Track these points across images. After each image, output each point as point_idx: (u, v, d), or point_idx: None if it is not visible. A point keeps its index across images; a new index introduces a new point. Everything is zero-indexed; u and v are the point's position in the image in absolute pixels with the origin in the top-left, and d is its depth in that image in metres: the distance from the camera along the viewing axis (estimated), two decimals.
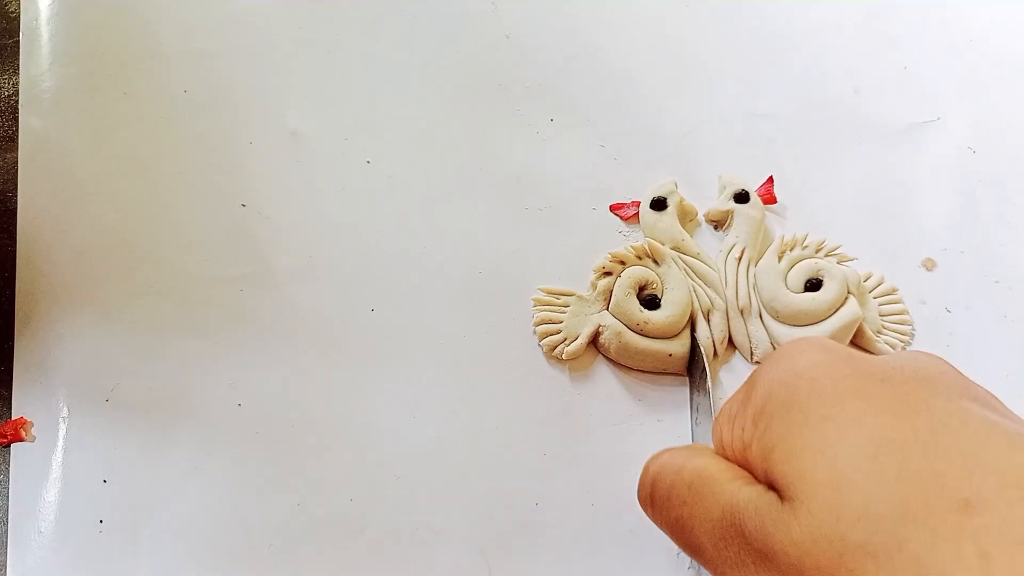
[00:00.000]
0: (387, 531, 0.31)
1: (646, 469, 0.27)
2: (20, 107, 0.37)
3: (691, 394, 0.33)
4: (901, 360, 0.22)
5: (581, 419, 0.33)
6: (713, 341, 0.34)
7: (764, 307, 0.35)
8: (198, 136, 0.37)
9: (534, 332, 0.34)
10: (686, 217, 0.37)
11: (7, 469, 0.31)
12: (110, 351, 0.33)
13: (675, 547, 0.31)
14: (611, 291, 0.34)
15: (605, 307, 0.34)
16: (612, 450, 0.32)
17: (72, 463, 0.31)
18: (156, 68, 0.38)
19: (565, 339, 0.34)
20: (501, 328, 0.34)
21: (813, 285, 0.34)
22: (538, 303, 0.35)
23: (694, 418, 0.32)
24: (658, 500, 0.25)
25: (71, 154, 0.36)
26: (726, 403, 0.25)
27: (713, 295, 0.35)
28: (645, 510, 0.26)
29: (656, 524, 0.26)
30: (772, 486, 0.21)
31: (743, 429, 0.23)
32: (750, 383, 0.24)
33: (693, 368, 0.33)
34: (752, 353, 0.34)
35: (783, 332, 0.34)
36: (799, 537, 0.19)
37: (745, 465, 0.23)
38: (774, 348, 0.34)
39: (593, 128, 0.39)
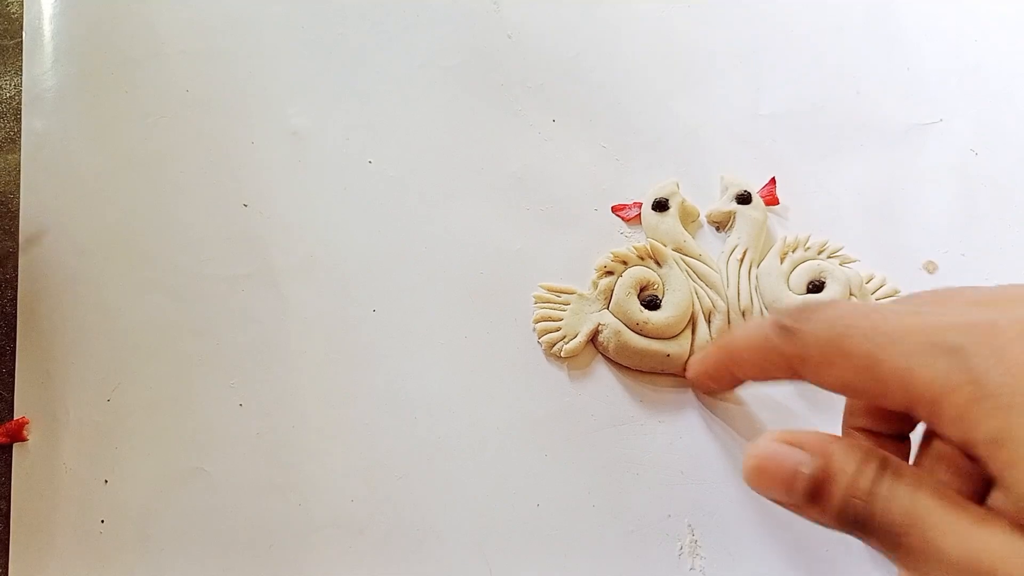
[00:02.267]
0: (387, 531, 0.31)
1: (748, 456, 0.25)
2: (23, 107, 0.37)
3: None
4: None
5: (582, 420, 0.33)
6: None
7: (766, 308, 0.34)
8: (200, 136, 0.37)
9: (534, 329, 0.34)
10: (688, 218, 0.37)
11: (7, 470, 0.31)
12: (111, 351, 0.33)
13: (677, 546, 0.31)
14: (612, 290, 0.34)
15: (605, 306, 0.34)
16: (613, 451, 0.32)
17: (72, 464, 0.31)
18: (158, 68, 0.38)
19: (564, 337, 0.34)
20: (502, 329, 0.34)
21: (815, 287, 0.34)
22: (538, 300, 0.35)
23: None
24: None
25: (73, 154, 0.36)
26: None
27: (715, 296, 0.35)
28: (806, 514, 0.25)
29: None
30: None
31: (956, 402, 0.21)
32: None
33: None
34: None
35: None
36: None
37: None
38: None
39: (595, 129, 0.39)
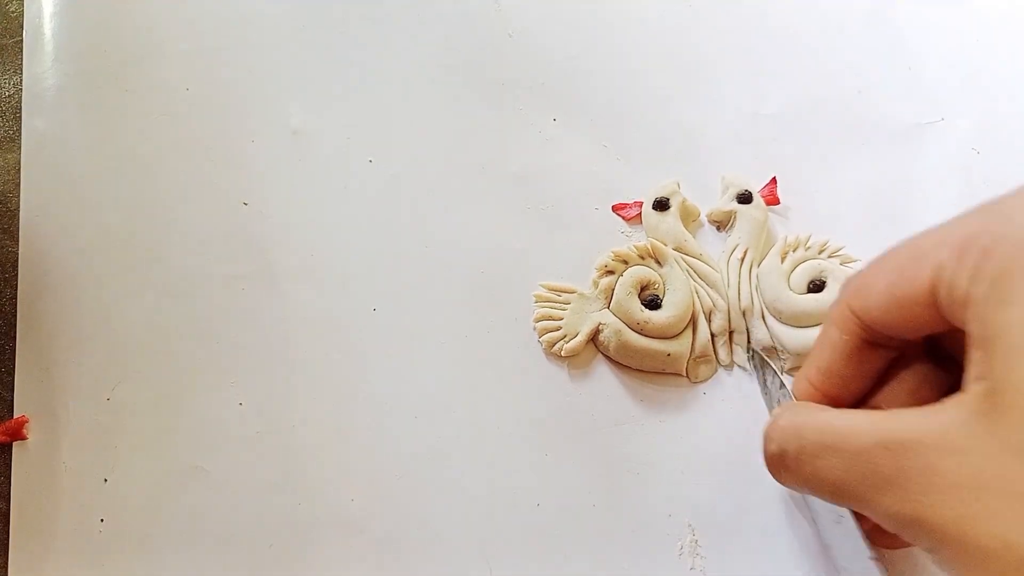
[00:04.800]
0: (388, 531, 0.31)
1: (768, 439, 0.27)
2: (23, 105, 0.37)
3: (763, 381, 0.33)
4: None
5: (582, 419, 0.33)
6: (713, 342, 0.34)
7: (766, 308, 0.34)
8: (200, 134, 0.37)
9: (534, 328, 0.34)
10: (688, 218, 0.37)
11: (7, 469, 0.31)
12: (110, 351, 0.33)
13: (677, 545, 0.31)
14: (613, 290, 0.34)
15: (606, 305, 0.34)
16: (613, 451, 0.32)
17: (72, 463, 0.31)
18: (158, 66, 0.38)
19: (565, 336, 0.33)
20: (503, 328, 0.34)
21: (816, 286, 0.34)
22: (539, 299, 0.34)
23: (772, 395, 0.32)
24: (790, 462, 0.25)
25: (73, 153, 0.36)
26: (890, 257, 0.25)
27: (715, 296, 0.34)
28: (778, 476, 0.27)
29: (790, 486, 0.27)
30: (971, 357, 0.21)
31: (950, 279, 0.23)
32: (965, 233, 0.23)
33: (755, 361, 0.33)
34: (753, 354, 0.34)
35: (785, 333, 0.34)
36: (991, 449, 0.20)
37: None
38: (776, 351, 0.34)
39: (596, 128, 0.39)
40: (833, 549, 0.29)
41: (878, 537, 0.27)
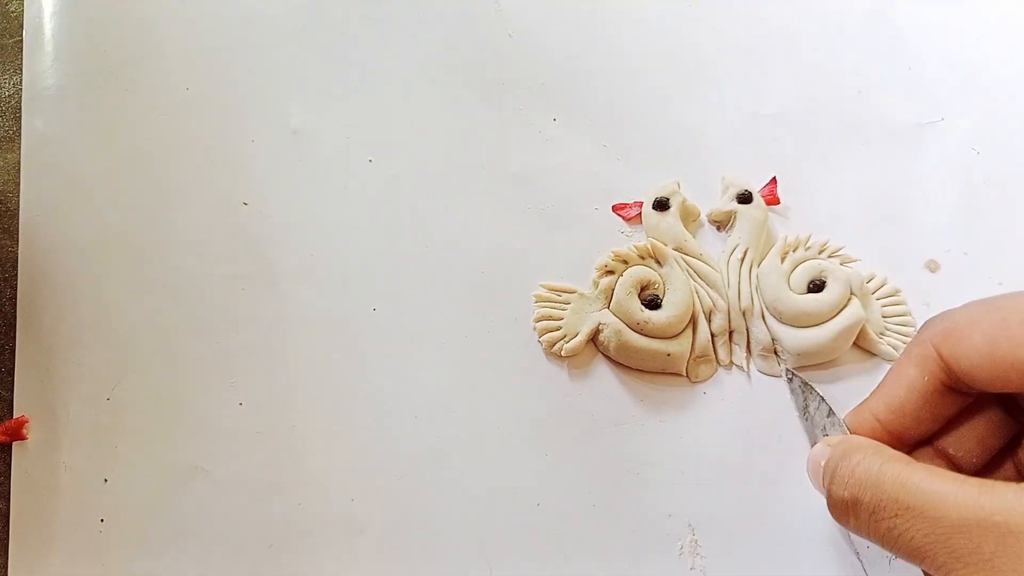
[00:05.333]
0: (388, 531, 0.31)
1: (838, 482, 0.26)
2: (23, 105, 0.37)
3: (803, 403, 0.32)
4: None
5: (583, 419, 0.33)
6: (713, 342, 0.34)
7: (766, 308, 0.34)
8: (200, 134, 0.37)
9: (534, 328, 0.34)
10: (689, 218, 0.37)
11: (7, 469, 0.31)
12: (110, 350, 0.33)
13: (677, 545, 0.31)
14: (613, 289, 0.34)
15: (606, 305, 0.34)
16: (614, 451, 0.32)
17: (72, 463, 0.31)
18: (158, 66, 0.38)
19: (565, 336, 0.33)
20: (503, 328, 0.34)
21: (816, 286, 0.34)
22: (539, 299, 0.34)
23: (815, 422, 0.31)
24: (863, 513, 0.25)
25: (73, 152, 0.36)
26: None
27: (715, 296, 0.34)
28: (842, 522, 0.26)
29: (855, 532, 0.26)
30: None
31: None
32: None
33: (795, 384, 0.33)
34: (753, 354, 0.34)
35: (785, 333, 0.34)
36: None
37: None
38: (776, 352, 0.34)
39: (596, 128, 0.39)
40: None
41: None
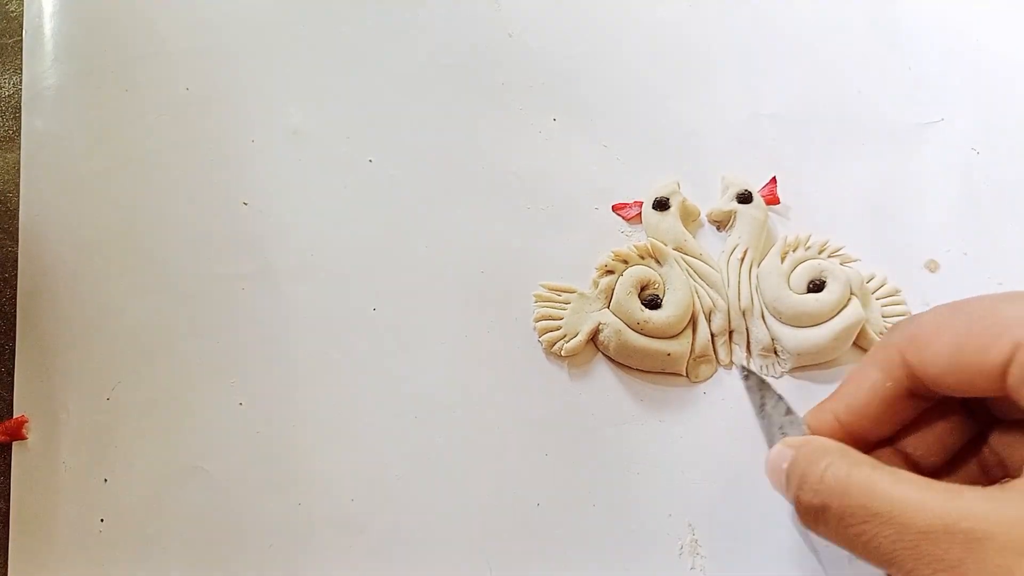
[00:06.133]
0: (387, 531, 0.31)
1: (806, 488, 0.26)
2: (23, 105, 0.37)
3: (760, 401, 0.31)
4: None
5: (582, 419, 0.33)
6: (713, 342, 0.34)
7: (766, 308, 0.34)
8: (200, 134, 0.37)
9: (534, 328, 0.34)
10: (688, 217, 0.37)
11: (7, 469, 0.31)
12: (110, 350, 0.33)
13: (677, 545, 0.31)
14: (613, 289, 0.34)
15: (606, 305, 0.34)
16: (614, 451, 0.32)
17: (72, 463, 0.31)
18: (158, 66, 0.38)
19: (565, 336, 0.33)
20: (503, 328, 0.34)
21: (816, 286, 0.34)
22: (539, 299, 0.34)
23: (772, 421, 0.31)
24: (831, 519, 0.25)
25: (72, 153, 0.36)
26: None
27: (715, 296, 0.34)
28: (811, 527, 0.26)
29: (823, 538, 0.26)
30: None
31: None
32: None
33: (751, 383, 0.32)
34: (753, 354, 0.34)
35: (785, 333, 0.34)
36: None
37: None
38: (776, 352, 0.34)
39: (596, 128, 0.39)
40: None
41: None
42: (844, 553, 0.27)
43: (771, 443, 0.29)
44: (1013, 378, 0.23)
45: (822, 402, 0.29)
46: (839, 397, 0.28)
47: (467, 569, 0.30)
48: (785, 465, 0.27)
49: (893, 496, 0.23)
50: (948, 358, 0.25)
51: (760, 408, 0.31)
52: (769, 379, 0.33)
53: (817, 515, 0.25)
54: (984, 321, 0.24)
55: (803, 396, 0.33)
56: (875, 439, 0.28)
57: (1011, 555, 0.21)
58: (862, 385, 0.27)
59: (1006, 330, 0.23)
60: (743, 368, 0.33)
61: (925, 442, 0.28)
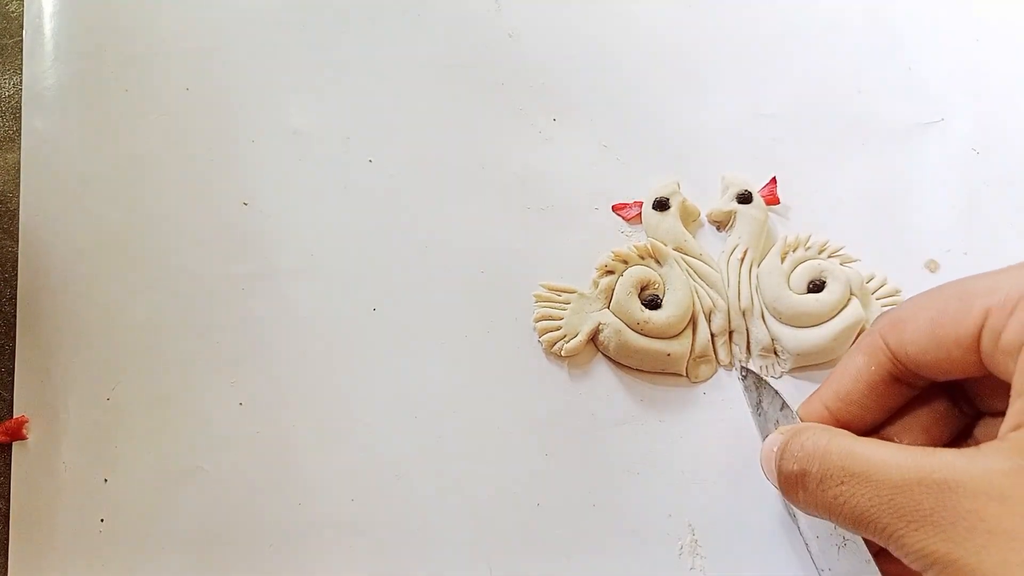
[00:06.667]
0: (387, 531, 0.31)
1: (788, 457, 0.26)
2: (23, 105, 0.37)
3: (757, 398, 0.32)
4: None
5: (583, 419, 0.33)
6: (713, 342, 0.34)
7: (766, 308, 0.34)
8: (200, 134, 0.37)
9: (534, 328, 0.34)
10: (688, 218, 0.37)
11: (7, 469, 0.31)
12: (110, 350, 0.33)
13: (677, 545, 0.31)
14: (613, 289, 0.34)
15: (606, 305, 0.34)
16: (614, 451, 0.32)
17: (72, 463, 0.31)
18: (158, 66, 0.38)
19: (565, 336, 0.33)
20: (503, 328, 0.34)
21: (816, 286, 0.34)
22: (539, 299, 0.34)
23: (768, 416, 0.31)
24: (811, 483, 0.25)
25: (73, 153, 0.36)
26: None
27: (715, 296, 0.34)
28: (792, 497, 0.27)
29: (804, 508, 0.26)
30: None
31: (1000, 326, 0.23)
32: (1021, 284, 0.24)
33: (749, 381, 0.32)
34: (753, 354, 0.34)
35: (785, 333, 0.34)
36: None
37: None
38: (776, 352, 0.34)
39: (596, 128, 0.39)
40: (830, 573, 0.28)
41: (885, 568, 0.27)
42: (834, 544, 0.28)
43: (765, 438, 0.30)
44: (986, 344, 0.23)
45: (813, 392, 0.29)
46: (827, 386, 0.29)
47: (467, 569, 0.30)
48: (775, 450, 0.27)
49: (870, 457, 0.24)
50: (925, 336, 0.25)
51: (757, 406, 0.31)
52: (768, 378, 0.33)
53: (797, 481, 0.26)
54: (956, 296, 0.25)
55: (803, 396, 0.33)
56: (862, 427, 0.28)
57: (981, 499, 0.21)
58: (848, 372, 0.28)
59: (976, 299, 0.24)
60: (742, 367, 0.33)
61: (911, 431, 0.28)
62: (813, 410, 0.29)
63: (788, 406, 0.30)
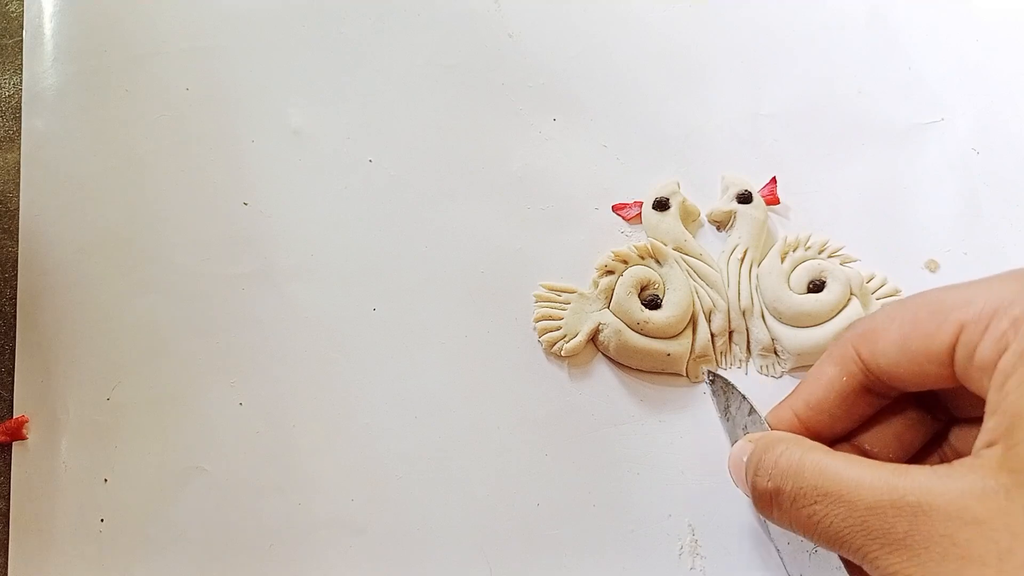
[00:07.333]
0: (387, 531, 0.31)
1: (761, 473, 0.26)
2: (23, 105, 0.37)
3: (725, 403, 0.32)
4: None
5: (582, 419, 0.33)
6: (713, 342, 0.34)
7: (766, 308, 0.34)
8: (200, 134, 0.37)
9: (534, 328, 0.34)
10: (688, 218, 0.37)
11: (7, 469, 0.31)
12: (110, 350, 0.33)
13: (677, 546, 0.31)
14: (613, 289, 0.34)
15: (606, 305, 0.34)
16: (613, 451, 0.32)
17: (72, 463, 0.31)
18: (158, 66, 0.38)
19: (565, 336, 0.33)
20: (503, 328, 0.34)
21: (816, 286, 0.34)
22: (539, 299, 0.34)
23: (736, 422, 0.31)
24: (784, 502, 0.25)
25: (72, 153, 0.36)
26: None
27: (715, 296, 0.34)
28: (765, 513, 0.26)
29: (777, 523, 0.26)
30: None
31: (974, 342, 0.23)
32: (996, 298, 0.23)
33: (716, 386, 0.33)
34: (753, 354, 0.34)
35: (785, 333, 0.34)
36: (1015, 525, 0.20)
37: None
38: (776, 352, 0.34)
39: (596, 128, 0.39)
40: None
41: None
42: (805, 549, 0.28)
43: (734, 443, 0.30)
44: (960, 359, 0.23)
45: (782, 400, 0.29)
46: (797, 394, 0.28)
47: (467, 569, 0.30)
48: (745, 458, 0.27)
49: (843, 476, 0.23)
50: (897, 348, 0.25)
51: (725, 411, 0.31)
52: (735, 381, 0.33)
53: (771, 499, 0.26)
54: (929, 308, 0.24)
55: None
56: (833, 435, 0.28)
57: (955, 523, 0.21)
58: (819, 381, 0.28)
59: (950, 313, 0.24)
60: (709, 372, 0.33)
61: (883, 439, 0.28)
62: (783, 417, 0.28)
63: (756, 412, 0.30)
